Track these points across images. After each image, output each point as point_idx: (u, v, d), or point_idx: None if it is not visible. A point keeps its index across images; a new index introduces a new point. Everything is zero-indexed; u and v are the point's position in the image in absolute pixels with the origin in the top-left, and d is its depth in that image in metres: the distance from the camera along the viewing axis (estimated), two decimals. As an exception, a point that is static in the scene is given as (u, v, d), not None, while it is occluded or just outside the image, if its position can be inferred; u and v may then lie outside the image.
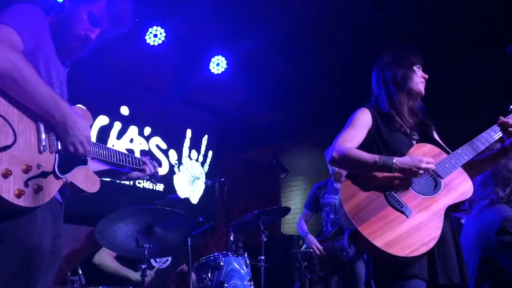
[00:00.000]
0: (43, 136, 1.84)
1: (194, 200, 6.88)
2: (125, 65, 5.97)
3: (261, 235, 4.35)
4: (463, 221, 4.00)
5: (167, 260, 4.74)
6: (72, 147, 1.92)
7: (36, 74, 1.83)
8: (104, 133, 5.75)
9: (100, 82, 5.66)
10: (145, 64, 6.13)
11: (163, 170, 6.34)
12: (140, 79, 6.32)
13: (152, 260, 4.57)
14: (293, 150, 8.89)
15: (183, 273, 4.92)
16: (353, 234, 2.26)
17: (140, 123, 6.29)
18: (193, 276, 3.88)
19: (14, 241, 1.75)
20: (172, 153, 6.68)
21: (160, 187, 6.36)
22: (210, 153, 7.29)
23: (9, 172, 1.66)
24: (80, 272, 3.65)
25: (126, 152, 2.46)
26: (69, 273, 3.75)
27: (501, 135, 2.53)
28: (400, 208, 2.29)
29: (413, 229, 2.24)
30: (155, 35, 5.82)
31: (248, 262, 3.84)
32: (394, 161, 2.32)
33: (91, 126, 2.11)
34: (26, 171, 1.73)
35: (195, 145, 7.06)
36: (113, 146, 5.74)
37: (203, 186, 7.01)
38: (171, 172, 6.60)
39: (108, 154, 2.29)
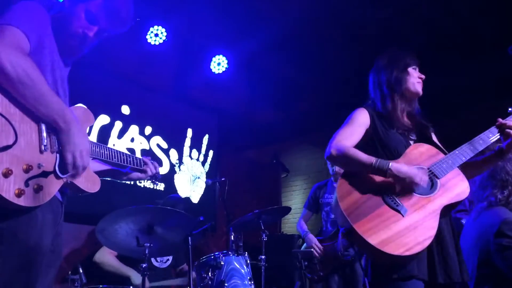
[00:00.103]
0: (44, 135, 1.84)
1: (195, 199, 6.88)
2: (126, 65, 5.97)
3: (262, 234, 4.35)
4: (463, 221, 4.01)
5: (168, 259, 4.74)
6: (70, 157, 1.89)
7: (44, 80, 1.84)
8: (105, 132, 5.75)
9: (101, 82, 5.66)
10: (146, 64, 6.14)
11: (163, 170, 6.34)
12: (141, 79, 6.31)
13: (152, 260, 4.58)
14: (293, 150, 8.90)
15: (184, 272, 4.92)
16: (348, 231, 2.27)
17: (141, 123, 6.29)
18: (194, 275, 3.89)
19: (15, 241, 1.75)
20: (173, 153, 6.67)
21: (160, 186, 6.36)
22: (211, 152, 7.28)
23: (9, 172, 1.66)
24: (81, 271, 3.66)
25: (127, 152, 2.47)
26: (69, 272, 3.75)
27: (498, 136, 2.53)
28: (395, 207, 2.30)
29: (408, 228, 2.25)
30: (156, 35, 5.83)
31: (248, 261, 3.85)
32: (390, 166, 2.33)
33: (92, 126, 2.11)
34: (26, 170, 1.73)
35: (196, 144, 7.06)
36: (114, 145, 5.74)
37: (203, 186, 7.01)
38: (172, 171, 6.60)
39: (109, 154, 2.29)
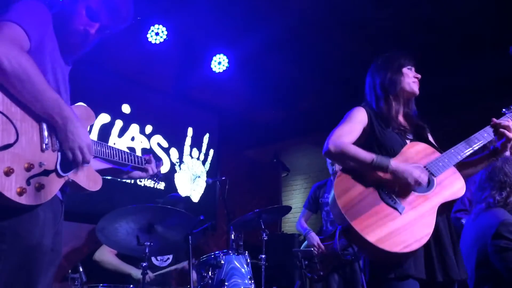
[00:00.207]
0: (46, 134, 1.84)
1: (195, 198, 6.89)
2: (126, 64, 5.97)
3: (262, 233, 4.36)
4: (463, 221, 4.01)
5: (168, 258, 4.75)
6: (70, 153, 1.90)
7: (42, 77, 1.83)
8: (105, 131, 5.76)
9: (101, 80, 5.67)
10: (147, 63, 6.14)
11: (164, 169, 6.34)
12: (142, 78, 6.32)
13: (153, 259, 4.59)
14: (294, 149, 8.90)
15: (184, 271, 4.93)
16: (346, 229, 2.27)
17: (142, 121, 6.29)
18: (194, 274, 3.89)
19: (16, 239, 1.75)
20: (173, 152, 6.68)
21: (161, 185, 6.36)
22: (211, 151, 7.29)
23: (11, 170, 1.66)
24: (81, 269, 3.66)
25: (128, 150, 2.47)
26: (70, 271, 3.75)
27: (493, 136, 2.55)
28: (393, 205, 2.31)
29: (406, 225, 2.26)
30: (157, 34, 5.83)
31: (248, 260, 3.85)
32: (390, 163, 2.34)
33: (92, 125, 2.11)
34: (28, 169, 1.73)
35: (196, 143, 7.06)
36: (114, 144, 5.74)
37: (204, 185, 7.01)
38: (172, 170, 6.60)
39: (110, 152, 2.29)
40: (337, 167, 4.90)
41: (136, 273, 4.38)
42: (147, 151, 6.09)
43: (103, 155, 2.24)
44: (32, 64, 1.81)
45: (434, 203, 2.35)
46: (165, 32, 5.83)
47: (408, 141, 2.59)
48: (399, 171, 2.33)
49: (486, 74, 5.92)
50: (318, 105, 7.25)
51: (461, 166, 2.55)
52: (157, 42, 5.83)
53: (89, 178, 2.08)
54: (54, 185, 1.87)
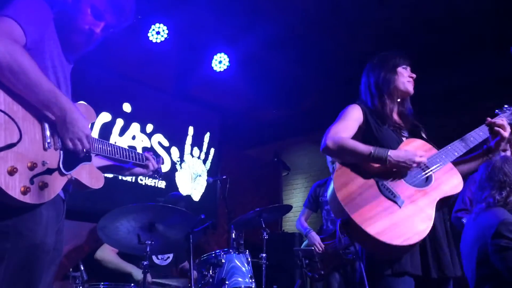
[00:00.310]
0: (48, 133, 1.85)
1: (196, 197, 6.89)
2: (127, 62, 5.97)
3: (263, 232, 4.36)
4: (464, 220, 4.02)
5: (169, 257, 4.75)
6: (70, 143, 1.91)
7: (37, 67, 1.82)
8: (106, 130, 5.76)
9: (102, 79, 5.67)
10: (148, 61, 6.14)
11: (165, 168, 6.35)
12: (143, 76, 6.32)
13: (153, 257, 4.59)
14: (295, 148, 8.90)
15: (185, 270, 4.93)
16: (346, 222, 2.27)
17: (142, 120, 6.30)
18: (195, 273, 3.90)
19: (20, 238, 1.75)
20: (174, 150, 6.68)
21: (162, 184, 6.36)
22: (212, 150, 7.29)
23: (14, 170, 1.67)
24: (82, 268, 3.66)
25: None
26: (71, 269, 3.75)
27: (488, 134, 2.59)
28: (392, 198, 2.33)
29: (405, 218, 2.27)
30: (158, 32, 5.82)
31: (249, 259, 3.85)
32: (389, 153, 2.36)
33: (93, 123, 2.11)
34: (31, 168, 1.74)
35: (197, 142, 7.06)
36: (115, 143, 5.71)
37: (205, 184, 7.02)
38: (173, 169, 6.61)
39: (111, 150, 2.30)
40: (338, 166, 4.90)
41: (137, 273, 4.38)
42: (148, 150, 6.09)
43: (104, 153, 2.25)
44: (25, 55, 1.79)
45: (433, 198, 2.38)
46: (166, 31, 5.82)
47: (404, 139, 2.62)
48: (399, 159, 2.35)
49: (487, 74, 5.92)
50: (319, 104, 7.24)
51: (456, 164, 2.58)
52: (158, 41, 5.83)
53: (91, 176, 2.09)
54: (57, 183, 1.87)
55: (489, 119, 2.59)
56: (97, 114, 5.52)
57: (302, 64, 6.59)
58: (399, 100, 2.72)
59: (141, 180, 6.12)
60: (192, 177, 6.88)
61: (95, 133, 5.53)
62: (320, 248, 4.86)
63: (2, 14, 1.83)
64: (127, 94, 6.18)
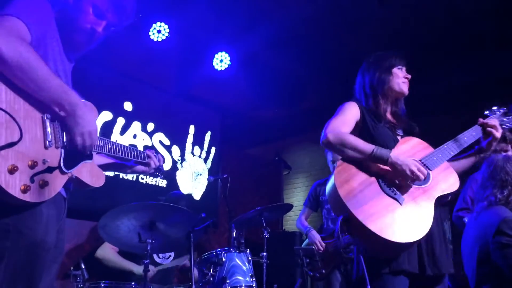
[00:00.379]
0: (49, 131, 1.85)
1: (197, 196, 6.90)
2: (128, 61, 5.97)
3: (263, 231, 4.36)
4: (465, 220, 4.03)
5: (170, 255, 4.75)
6: (80, 138, 1.91)
7: (44, 64, 1.83)
8: (107, 128, 5.77)
9: (103, 78, 5.67)
10: (149, 60, 6.13)
11: (166, 166, 6.36)
12: (144, 75, 6.32)
13: (154, 256, 4.59)
14: (295, 147, 8.90)
15: (185, 268, 4.93)
16: (347, 219, 2.27)
17: (144, 119, 6.30)
18: (195, 271, 3.90)
19: (20, 236, 1.75)
20: (175, 149, 6.69)
21: (163, 183, 6.37)
22: (213, 149, 7.29)
23: (15, 168, 1.67)
24: (83, 266, 3.67)
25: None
26: (71, 268, 3.76)
27: (481, 135, 2.65)
28: (393, 195, 2.35)
29: (407, 215, 2.30)
30: (159, 31, 5.81)
31: (250, 258, 3.85)
32: (390, 155, 2.38)
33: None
34: (32, 166, 1.73)
35: (198, 141, 7.07)
36: (116, 141, 5.75)
37: (205, 182, 7.02)
38: (174, 168, 6.61)
39: (113, 148, 2.31)
40: (338, 162, 4.88)
41: (138, 269, 4.39)
42: (149, 149, 6.10)
43: (106, 151, 2.26)
44: (33, 53, 1.80)
45: (432, 196, 2.41)
46: (167, 30, 5.82)
47: (399, 137, 2.64)
48: (398, 164, 2.36)
49: (487, 73, 5.91)
50: (320, 103, 7.23)
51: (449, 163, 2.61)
52: (159, 39, 5.82)
53: (92, 174, 2.08)
54: (58, 182, 1.87)
55: (481, 120, 2.66)
56: (98, 112, 5.53)
57: (303, 63, 6.58)
58: (392, 100, 2.74)
59: (142, 178, 6.12)
60: (193, 176, 6.88)
61: (96, 132, 5.52)
62: (321, 246, 4.86)
63: (6, 13, 1.82)
64: (128, 93, 6.18)
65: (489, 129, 2.61)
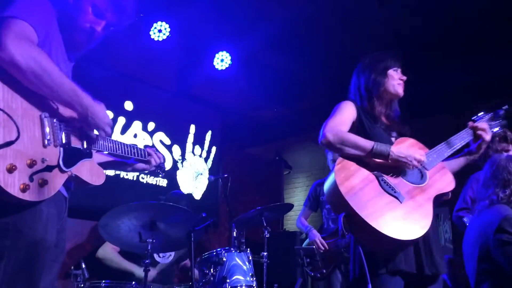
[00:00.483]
0: (47, 130, 1.85)
1: (197, 195, 6.90)
2: (129, 61, 5.98)
3: (264, 231, 4.36)
4: (465, 219, 4.04)
5: (170, 255, 4.76)
6: (103, 132, 2.08)
7: (57, 68, 1.85)
8: (108, 128, 5.77)
9: (104, 77, 5.66)
10: (150, 60, 6.14)
11: (166, 166, 6.35)
12: (144, 75, 6.33)
13: (155, 255, 4.60)
14: (296, 147, 8.90)
15: (186, 268, 4.94)
16: (348, 216, 2.27)
17: (144, 118, 6.31)
18: (196, 271, 3.90)
19: (20, 235, 1.75)
20: (176, 149, 6.69)
21: (163, 182, 6.38)
22: (214, 149, 7.30)
23: (13, 167, 1.67)
24: (83, 266, 3.67)
25: (129, 144, 2.49)
26: (72, 267, 3.76)
27: (471, 137, 2.71)
28: (393, 193, 2.36)
29: (407, 213, 2.31)
30: (160, 31, 5.82)
31: (250, 258, 3.85)
32: (391, 149, 2.40)
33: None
34: (30, 165, 1.74)
35: (198, 140, 7.07)
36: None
37: (206, 182, 7.03)
38: (175, 167, 6.62)
39: (113, 146, 2.31)
40: (338, 159, 4.88)
41: (139, 272, 4.39)
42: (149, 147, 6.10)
43: (106, 149, 2.26)
44: (45, 56, 1.82)
45: (430, 195, 2.44)
46: (168, 29, 5.82)
47: (393, 139, 2.66)
48: (401, 156, 2.40)
49: (487, 73, 5.91)
50: (321, 103, 7.22)
51: None
52: (160, 39, 5.83)
53: (92, 172, 2.08)
54: (58, 180, 1.87)
55: (471, 123, 2.72)
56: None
57: (303, 63, 6.59)
58: (387, 102, 2.75)
59: (143, 178, 6.13)
60: (194, 176, 6.89)
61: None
62: (321, 244, 4.86)
63: (12, 16, 1.82)
64: (128, 92, 6.19)
65: (479, 132, 2.67)
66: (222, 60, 6.42)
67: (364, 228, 2.23)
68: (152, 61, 6.19)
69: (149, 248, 3.46)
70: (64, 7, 2.09)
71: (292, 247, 5.90)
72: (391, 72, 2.72)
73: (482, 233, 2.93)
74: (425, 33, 5.61)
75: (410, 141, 2.65)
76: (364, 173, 2.42)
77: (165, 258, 4.71)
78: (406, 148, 2.48)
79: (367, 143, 2.42)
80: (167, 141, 6.59)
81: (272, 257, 4.31)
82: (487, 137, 2.66)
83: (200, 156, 7.07)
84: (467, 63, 5.93)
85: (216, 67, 6.41)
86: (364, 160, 2.45)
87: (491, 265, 2.84)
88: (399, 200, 2.34)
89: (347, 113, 2.62)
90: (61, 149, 1.90)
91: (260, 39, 5.83)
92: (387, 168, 2.44)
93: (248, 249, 3.91)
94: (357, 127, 2.61)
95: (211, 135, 7.29)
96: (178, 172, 6.65)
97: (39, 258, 1.82)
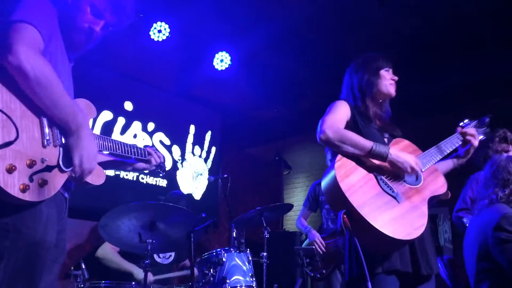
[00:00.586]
0: (47, 130, 1.84)
1: (197, 196, 6.90)
2: (129, 61, 5.98)
3: (264, 231, 4.36)
4: (465, 220, 4.05)
5: (170, 255, 4.76)
6: (78, 159, 1.89)
7: (60, 83, 1.85)
8: (107, 128, 5.77)
9: (104, 78, 5.67)
10: (149, 60, 6.14)
11: (166, 166, 6.35)
12: (144, 75, 6.33)
13: (155, 256, 4.60)
14: (296, 147, 8.90)
15: (186, 268, 4.94)
16: (348, 213, 2.26)
17: (144, 119, 6.31)
18: (196, 271, 3.90)
19: (20, 236, 1.75)
20: (176, 149, 6.69)
21: (163, 182, 6.38)
22: (213, 149, 7.30)
23: (13, 167, 1.66)
24: (83, 266, 3.67)
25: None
26: (72, 268, 3.77)
27: (460, 142, 2.77)
28: (391, 193, 2.38)
29: (405, 214, 2.33)
30: (159, 31, 5.81)
31: (250, 258, 3.85)
32: (390, 151, 2.42)
33: (95, 120, 2.12)
34: (30, 165, 1.73)
35: (198, 141, 7.07)
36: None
37: (206, 182, 7.03)
38: (175, 168, 6.62)
39: (113, 146, 2.31)
40: (338, 156, 4.88)
41: (138, 272, 4.39)
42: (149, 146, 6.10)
43: (106, 149, 2.26)
44: (51, 69, 1.82)
45: (425, 196, 2.46)
46: (168, 30, 5.82)
47: (385, 140, 2.67)
48: (399, 160, 2.41)
49: (487, 73, 5.92)
50: (321, 103, 7.21)
51: None
52: (160, 39, 5.82)
53: (92, 172, 2.08)
54: (57, 180, 1.87)
55: (460, 129, 2.78)
56: (99, 112, 5.54)
57: (303, 63, 6.59)
58: (380, 102, 2.77)
59: (142, 178, 6.13)
60: (194, 176, 6.89)
61: (96, 132, 5.53)
62: (320, 244, 4.86)
63: (19, 20, 1.81)
64: (128, 92, 6.19)
65: (468, 137, 2.73)
66: (222, 61, 6.41)
67: (364, 227, 2.23)
68: (151, 62, 6.19)
69: (149, 248, 3.46)
70: (62, 7, 2.09)
71: (292, 247, 5.90)
72: (383, 72, 2.75)
73: (481, 232, 2.96)
74: (425, 33, 5.61)
75: (405, 142, 2.67)
76: (362, 171, 2.43)
77: (165, 258, 4.71)
78: (402, 151, 2.50)
79: (367, 143, 2.42)
80: (167, 142, 6.59)
81: (271, 258, 4.32)
82: (476, 142, 2.73)
83: (200, 156, 7.07)
84: (467, 63, 5.93)
85: (216, 67, 6.41)
86: (361, 159, 2.46)
87: (491, 264, 2.87)
88: (396, 200, 2.36)
89: (341, 112, 2.63)
90: (61, 149, 1.90)
91: (260, 39, 5.83)
92: (385, 167, 2.46)
93: (248, 249, 3.92)
94: (351, 127, 2.61)
95: (211, 135, 7.29)
96: (178, 172, 6.65)
97: (39, 259, 1.82)
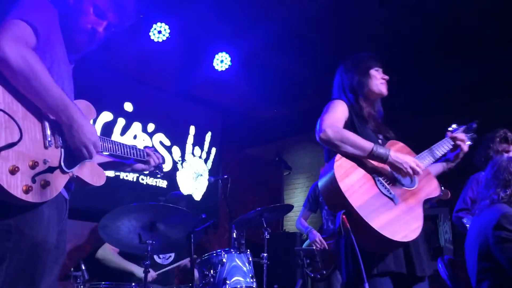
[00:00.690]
0: (48, 131, 1.85)
1: (197, 196, 6.90)
2: (129, 62, 5.98)
3: (264, 232, 4.36)
4: (465, 220, 4.05)
5: (170, 256, 4.75)
6: (77, 151, 1.92)
7: (48, 74, 1.83)
8: (107, 129, 5.77)
9: (104, 78, 5.67)
10: (149, 61, 6.14)
11: (166, 167, 6.36)
12: (144, 76, 6.32)
13: (155, 257, 4.59)
14: (296, 148, 8.90)
15: (186, 269, 4.93)
16: (347, 214, 2.26)
17: (144, 120, 6.31)
18: (196, 272, 3.90)
19: (22, 237, 1.75)
20: (176, 150, 6.69)
21: (163, 183, 6.37)
22: (214, 150, 7.29)
23: (16, 169, 1.67)
24: (83, 267, 3.67)
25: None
26: (72, 269, 3.76)
27: (450, 147, 2.77)
28: (388, 195, 2.38)
29: (402, 215, 2.34)
30: (159, 32, 5.82)
31: (250, 259, 3.85)
32: (390, 153, 2.42)
33: (94, 121, 2.11)
34: (32, 167, 1.73)
35: (198, 141, 7.07)
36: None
37: (206, 183, 7.02)
38: (175, 168, 6.61)
39: (112, 147, 2.31)
40: (337, 156, 4.87)
41: (138, 271, 4.39)
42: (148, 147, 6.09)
43: (106, 150, 2.26)
44: (38, 61, 1.81)
45: (420, 198, 2.48)
46: (168, 30, 5.82)
47: (379, 141, 2.67)
48: (399, 161, 2.41)
49: (487, 73, 5.91)
50: (321, 104, 7.23)
51: None
52: (160, 40, 5.83)
53: (92, 173, 2.08)
54: (59, 181, 1.87)
55: (450, 133, 2.80)
56: (99, 113, 5.55)
57: (303, 63, 6.59)
58: (372, 102, 2.78)
59: (142, 179, 6.13)
60: (194, 177, 6.89)
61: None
62: (320, 244, 4.86)
63: (12, 17, 1.82)
64: (128, 93, 6.18)
65: (458, 142, 2.74)
66: (221, 61, 6.42)
67: (362, 228, 2.23)
68: (152, 62, 6.19)
69: (149, 249, 3.46)
70: (64, 9, 2.09)
71: (292, 248, 5.90)
72: (373, 72, 2.76)
73: (482, 231, 2.98)
74: (425, 33, 5.61)
75: (399, 145, 2.67)
76: (361, 171, 2.42)
77: (165, 259, 4.71)
78: (400, 152, 2.50)
79: (367, 144, 2.42)
80: (167, 142, 6.58)
81: (272, 258, 4.31)
82: (465, 147, 2.74)
83: (200, 157, 7.07)
84: (467, 63, 5.93)
85: (216, 68, 6.41)
86: (359, 160, 2.45)
87: (492, 263, 2.89)
88: (393, 201, 2.36)
89: (340, 111, 2.62)
90: (62, 150, 1.90)
91: (260, 40, 5.83)
92: (383, 169, 2.47)
93: (248, 250, 3.91)
94: (348, 127, 2.60)
95: (211, 136, 7.28)
96: (178, 173, 6.65)
97: (40, 260, 1.82)
